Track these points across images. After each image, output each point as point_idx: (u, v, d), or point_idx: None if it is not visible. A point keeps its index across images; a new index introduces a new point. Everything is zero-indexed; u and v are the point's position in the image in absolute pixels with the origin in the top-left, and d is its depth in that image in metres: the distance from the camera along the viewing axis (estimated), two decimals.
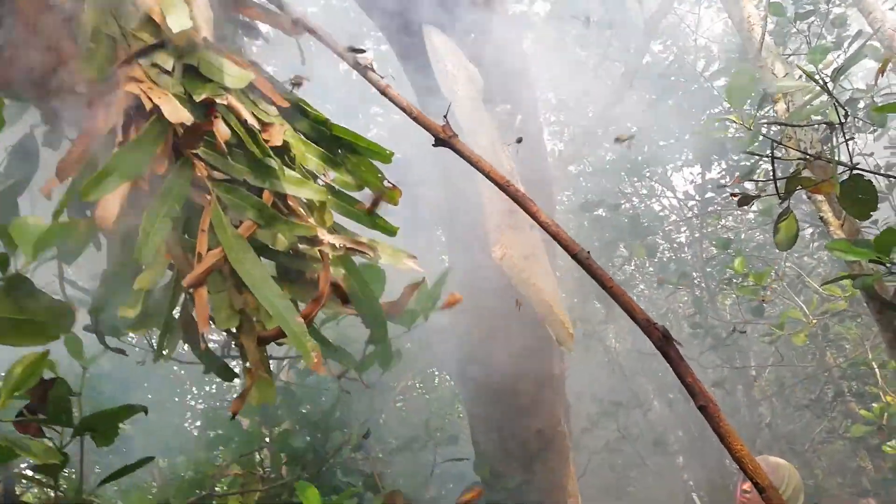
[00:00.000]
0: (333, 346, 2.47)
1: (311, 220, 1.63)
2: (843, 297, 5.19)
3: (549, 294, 3.17)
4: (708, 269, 7.66)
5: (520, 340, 3.84)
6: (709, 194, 7.35)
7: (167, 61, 1.55)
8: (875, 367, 6.30)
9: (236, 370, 1.86)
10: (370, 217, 1.76)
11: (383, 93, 1.71)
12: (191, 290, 1.49)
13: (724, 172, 7.05)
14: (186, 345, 1.69)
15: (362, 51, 1.76)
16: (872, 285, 3.18)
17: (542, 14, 8.04)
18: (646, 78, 7.23)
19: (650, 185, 8.28)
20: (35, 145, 1.74)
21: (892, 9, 4.65)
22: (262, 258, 1.58)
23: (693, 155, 6.79)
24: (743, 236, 8.44)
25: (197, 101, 1.51)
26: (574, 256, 1.60)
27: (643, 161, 7.59)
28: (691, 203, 7.89)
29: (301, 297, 1.67)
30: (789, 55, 6.59)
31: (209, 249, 1.48)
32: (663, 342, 1.48)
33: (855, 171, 3.20)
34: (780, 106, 3.91)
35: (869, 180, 3.22)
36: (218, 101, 1.52)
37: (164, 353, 1.65)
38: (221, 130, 1.51)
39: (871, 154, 6.52)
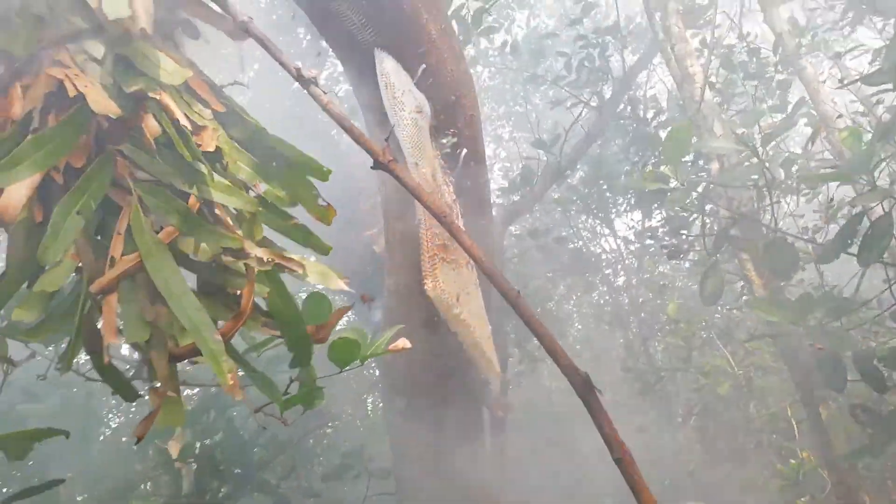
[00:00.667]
0: (259, 373, 2.38)
1: (239, 232, 1.54)
2: (767, 351, 5.35)
3: (480, 333, 3.17)
4: (642, 315, 7.80)
5: (452, 375, 3.80)
6: (648, 241, 7.51)
7: (98, 49, 1.47)
8: (794, 422, 6.48)
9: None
10: (302, 234, 1.68)
11: (325, 108, 1.67)
12: (99, 298, 1.38)
13: (664, 221, 7.24)
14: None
15: (316, 74, 1.69)
16: (790, 345, 3.29)
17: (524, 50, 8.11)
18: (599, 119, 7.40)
19: (593, 227, 8.43)
20: None
21: (824, 82, 4.87)
22: (181, 269, 1.48)
23: (635, 201, 6.96)
24: (679, 284, 8.64)
25: (127, 92, 1.43)
26: (505, 295, 1.58)
27: (591, 202, 7.73)
28: (631, 248, 8.06)
29: (220, 315, 1.58)
30: (734, 114, 6.85)
31: (124, 255, 1.38)
32: (584, 389, 1.47)
33: (778, 234, 3.34)
34: (715, 164, 4.04)
35: (791, 243, 3.35)
36: (150, 95, 1.44)
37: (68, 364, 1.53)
38: (151, 127, 1.43)
39: (803, 216, 6.81)
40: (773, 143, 3.38)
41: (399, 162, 1.67)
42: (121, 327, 1.43)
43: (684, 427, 9.21)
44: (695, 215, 3.95)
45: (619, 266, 8.42)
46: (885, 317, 3.47)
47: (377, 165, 1.63)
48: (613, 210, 7.78)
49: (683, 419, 8.98)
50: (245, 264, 1.50)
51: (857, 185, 3.21)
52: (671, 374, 7.59)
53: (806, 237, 3.41)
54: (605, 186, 7.13)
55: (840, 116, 4.34)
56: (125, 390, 1.59)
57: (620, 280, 9.21)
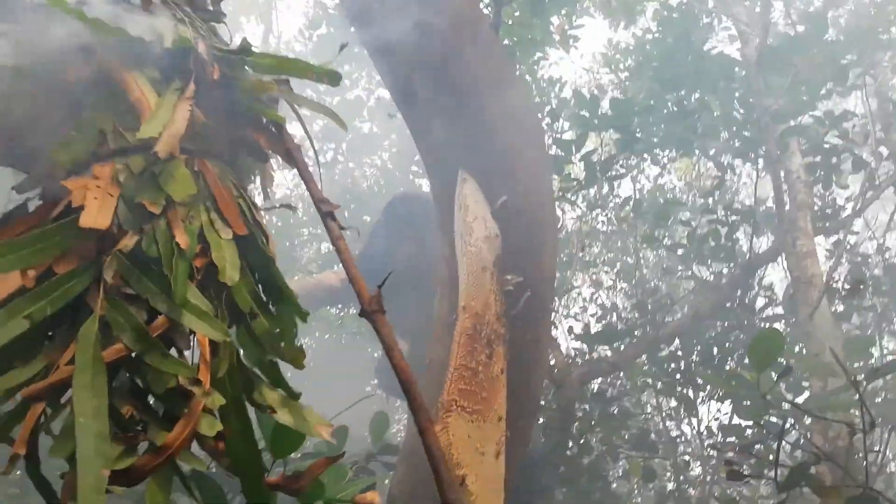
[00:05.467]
0: None
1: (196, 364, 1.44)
2: None
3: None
4: None
5: None
6: (730, 438, 6.74)
7: (139, 164, 1.49)
8: None
9: None
10: (274, 374, 1.61)
11: (334, 242, 1.65)
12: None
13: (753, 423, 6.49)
14: None
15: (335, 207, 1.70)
16: None
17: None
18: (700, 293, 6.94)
19: (676, 407, 7.73)
20: None
21: None
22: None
23: (723, 392, 6.30)
24: (760, 500, 7.65)
25: (135, 203, 1.44)
26: None
27: (679, 380, 7.16)
28: (708, 442, 7.28)
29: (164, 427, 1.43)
30: (853, 329, 6.17)
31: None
32: None
33: (868, 490, 2.74)
34: (817, 382, 3.50)
35: None
36: (150, 209, 1.43)
37: None
38: (125, 243, 1.41)
39: None
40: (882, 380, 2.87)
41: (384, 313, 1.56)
42: None
43: None
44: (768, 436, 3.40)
45: (695, 458, 7.60)
46: None
47: (363, 314, 1.57)
48: (700, 396, 7.12)
49: None
50: (192, 392, 1.36)
51: None
52: None
53: None
54: (694, 368, 6.54)
55: None
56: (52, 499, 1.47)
57: (695, 471, 8.32)
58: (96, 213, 1.35)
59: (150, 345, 1.34)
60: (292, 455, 2.35)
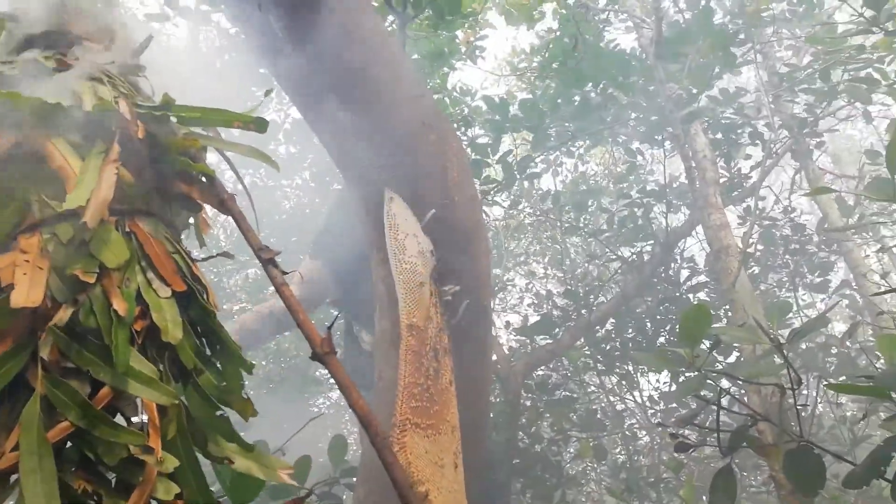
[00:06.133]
0: None
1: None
2: None
3: None
4: (661, 485, 7.19)
5: None
6: (672, 404, 7.04)
7: (67, 233, 1.44)
8: None
9: None
10: (227, 430, 1.57)
11: (278, 289, 1.64)
12: None
13: None
14: None
15: (275, 253, 1.70)
16: None
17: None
18: (628, 273, 7.21)
19: (618, 383, 8.01)
20: None
21: (867, 255, 4.59)
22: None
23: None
24: (706, 461, 8.02)
25: (67, 274, 1.39)
26: None
27: (618, 356, 7.41)
28: (652, 411, 7.58)
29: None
30: (770, 287, 6.55)
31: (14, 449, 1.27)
32: None
33: (802, 443, 2.95)
34: (746, 347, 3.73)
35: (818, 455, 2.95)
36: (83, 279, 1.39)
37: None
38: (60, 317, 1.36)
39: (840, 404, 6.31)
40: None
41: (335, 354, 1.54)
42: None
43: None
44: (707, 406, 3.62)
45: (641, 428, 7.89)
46: None
47: (315, 356, 1.56)
48: (640, 369, 7.39)
49: None
50: (145, 460, 1.33)
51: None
52: None
53: (833, 450, 3.00)
54: (630, 345, 6.80)
55: (881, 314, 4.02)
56: None
57: (643, 440, 8.64)
58: (27, 291, 1.32)
59: (97, 418, 1.31)
60: None
